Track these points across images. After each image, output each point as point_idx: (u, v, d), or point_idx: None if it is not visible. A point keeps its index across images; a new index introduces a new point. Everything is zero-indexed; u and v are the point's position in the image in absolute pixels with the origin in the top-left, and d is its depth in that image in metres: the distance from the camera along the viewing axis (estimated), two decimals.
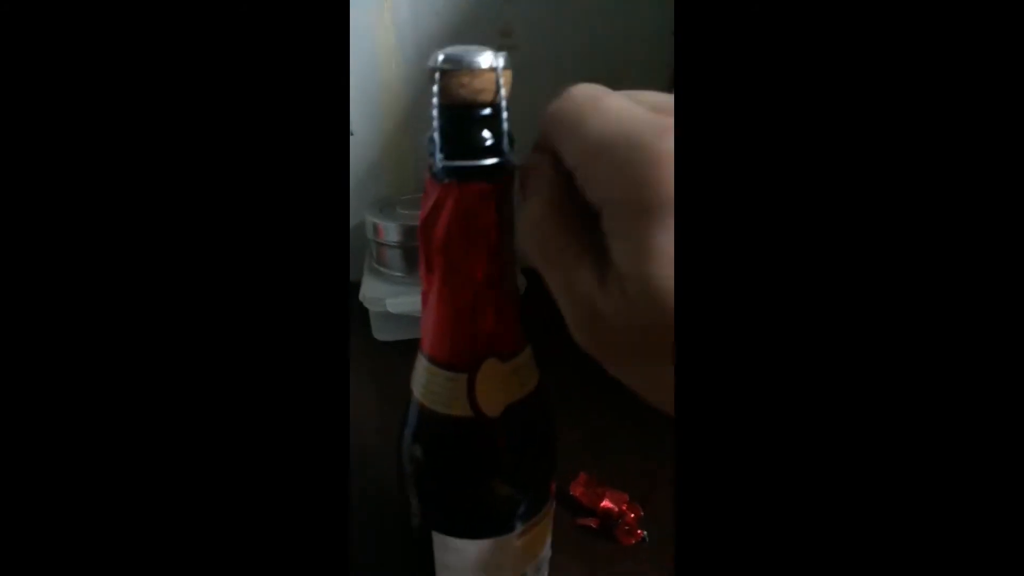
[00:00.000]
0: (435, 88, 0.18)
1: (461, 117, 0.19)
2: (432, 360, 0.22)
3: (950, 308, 0.12)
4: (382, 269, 0.58)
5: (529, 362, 0.23)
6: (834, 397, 0.12)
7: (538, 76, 0.18)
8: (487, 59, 0.18)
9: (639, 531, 0.35)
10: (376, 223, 0.56)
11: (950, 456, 0.12)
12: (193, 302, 0.14)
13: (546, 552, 0.28)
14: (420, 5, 0.59)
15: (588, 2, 0.61)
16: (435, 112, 0.18)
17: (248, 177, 0.14)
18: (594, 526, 0.35)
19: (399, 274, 0.57)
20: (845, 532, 0.12)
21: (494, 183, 0.19)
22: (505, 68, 0.18)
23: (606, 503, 0.36)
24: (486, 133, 0.19)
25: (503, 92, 0.18)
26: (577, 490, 0.37)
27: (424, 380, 0.22)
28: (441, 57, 0.18)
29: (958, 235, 0.12)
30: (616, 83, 0.16)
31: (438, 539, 0.24)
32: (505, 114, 0.19)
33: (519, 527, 0.24)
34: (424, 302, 0.21)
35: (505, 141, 0.19)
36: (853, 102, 0.12)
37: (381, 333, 0.57)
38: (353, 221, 0.67)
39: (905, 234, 0.12)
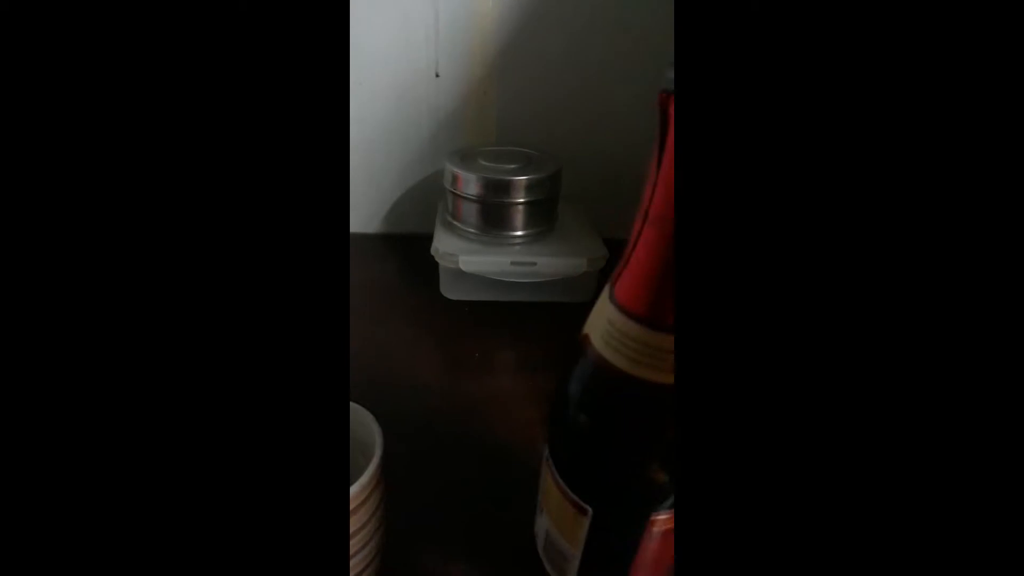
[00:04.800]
0: None
1: None
2: (622, 309, 0.18)
3: (947, 313, 0.11)
4: (456, 224, 0.54)
5: None
6: (833, 398, 0.12)
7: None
8: None
9: None
10: (455, 172, 0.52)
11: (949, 456, 0.12)
12: (188, 268, 0.13)
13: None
14: None
15: None
16: None
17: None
18: None
19: (474, 231, 0.53)
20: (845, 533, 0.12)
21: None
22: None
23: None
24: None
25: None
26: None
27: (606, 328, 0.19)
28: None
29: (957, 237, 0.11)
30: None
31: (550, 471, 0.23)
32: None
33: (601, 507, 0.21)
34: (632, 242, 0.18)
35: None
36: (852, 101, 0.12)
37: (451, 292, 0.53)
38: (432, 168, 0.63)
39: (904, 234, 0.12)
